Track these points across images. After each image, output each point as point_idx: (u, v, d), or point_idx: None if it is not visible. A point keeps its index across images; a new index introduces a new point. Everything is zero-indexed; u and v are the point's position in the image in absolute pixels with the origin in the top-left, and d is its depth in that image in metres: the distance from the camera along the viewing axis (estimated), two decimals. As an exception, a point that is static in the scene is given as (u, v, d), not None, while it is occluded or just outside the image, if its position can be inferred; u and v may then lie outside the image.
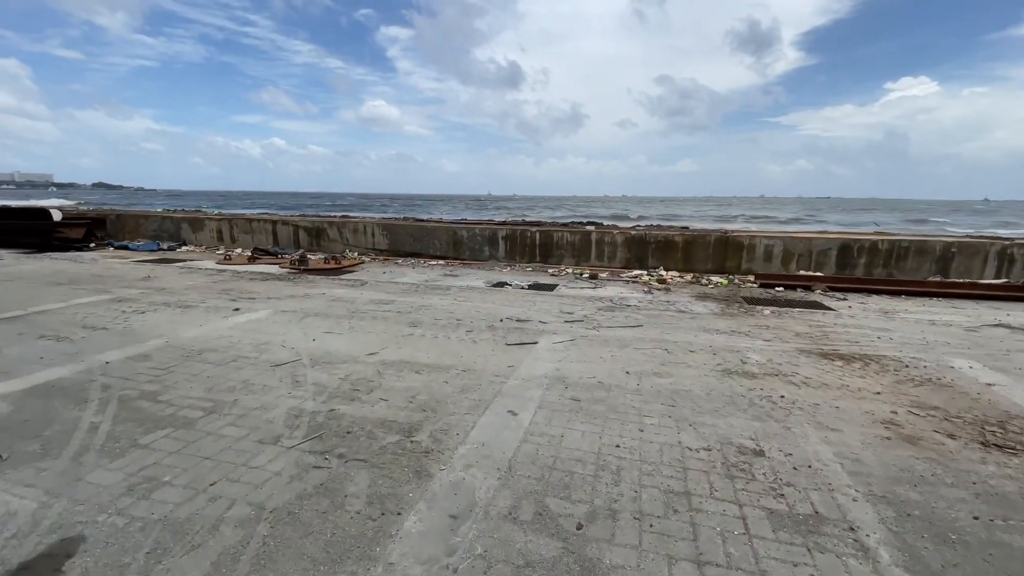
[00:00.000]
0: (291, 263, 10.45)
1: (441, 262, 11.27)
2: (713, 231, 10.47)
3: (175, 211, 15.46)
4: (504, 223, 12.04)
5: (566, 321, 6.26)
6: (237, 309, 6.64)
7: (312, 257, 11.86)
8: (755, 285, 8.99)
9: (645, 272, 9.84)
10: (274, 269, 10.22)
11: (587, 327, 5.98)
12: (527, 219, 12.33)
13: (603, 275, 9.77)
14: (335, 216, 13.16)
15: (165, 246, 13.12)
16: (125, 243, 13.32)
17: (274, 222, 12.59)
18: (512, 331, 5.74)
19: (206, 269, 10.07)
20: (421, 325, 5.95)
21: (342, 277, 9.39)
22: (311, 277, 9.36)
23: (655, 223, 12.33)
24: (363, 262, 11.27)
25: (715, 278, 9.46)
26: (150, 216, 13.86)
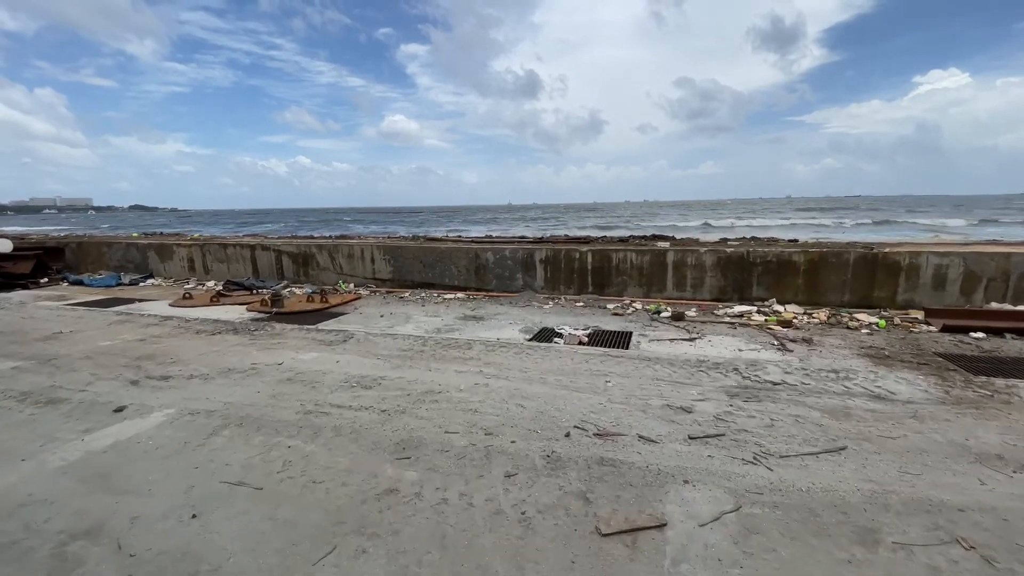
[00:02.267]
0: (262, 304, 7.85)
1: (460, 295, 8.51)
2: (849, 245, 7.41)
3: (144, 236, 13.18)
4: (541, 240, 9.19)
5: (690, 437, 3.35)
6: (120, 409, 3.98)
7: (297, 291, 9.25)
8: (931, 327, 5.91)
9: (753, 307, 6.85)
10: (237, 313, 7.62)
11: (739, 458, 3.07)
12: (570, 236, 9.45)
13: (691, 312, 6.82)
14: (326, 238, 10.55)
15: (127, 279, 10.75)
16: (82, 277, 11.01)
17: (252, 248, 10.07)
18: (597, 477, 2.87)
19: (150, 316, 7.54)
20: (418, 458, 3.14)
21: (323, 326, 6.71)
22: (280, 327, 6.71)
23: (747, 236, 9.31)
24: (358, 297, 8.60)
25: (861, 315, 6.40)
26: (114, 244, 11.56)
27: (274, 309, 7.59)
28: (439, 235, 10.30)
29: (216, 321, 7.11)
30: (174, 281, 10.77)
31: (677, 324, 6.44)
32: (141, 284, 10.63)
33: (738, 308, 6.85)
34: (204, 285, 10.11)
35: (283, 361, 5.18)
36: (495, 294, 8.43)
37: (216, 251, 10.44)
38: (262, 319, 7.23)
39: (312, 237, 11.11)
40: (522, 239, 9.54)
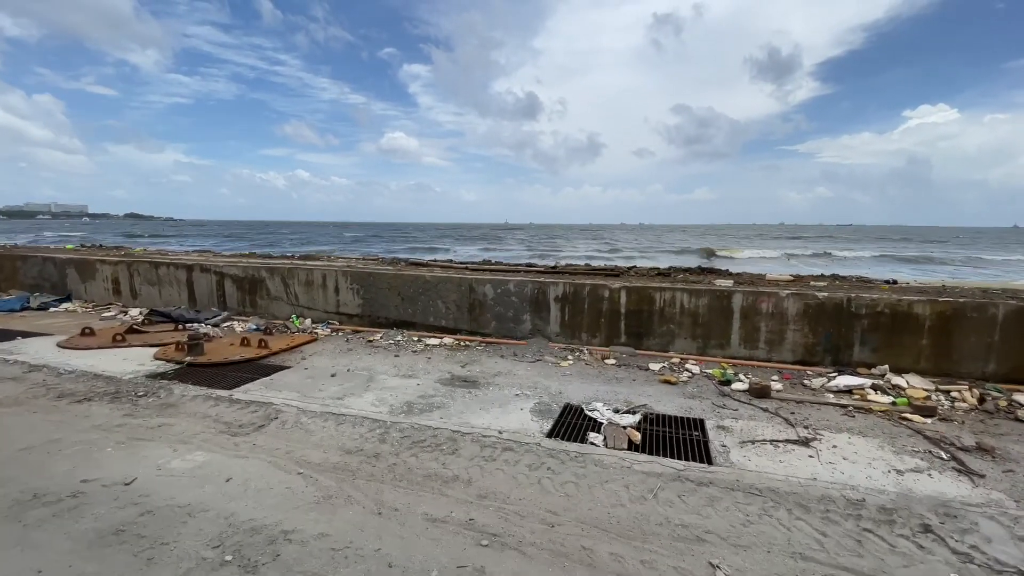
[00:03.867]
0: (176, 347, 5.75)
1: (448, 340, 6.44)
2: (986, 293, 5.42)
3: (64, 249, 11.08)
4: (555, 270, 7.12)
5: None
6: None
7: (238, 327, 7.17)
8: None
9: (862, 379, 4.81)
10: (139, 361, 5.50)
11: None
12: (593, 265, 7.37)
13: (774, 382, 4.77)
14: (282, 260, 8.47)
15: (36, 303, 8.62)
16: (-16, 297, 8.86)
17: (189, 269, 7.98)
18: None
19: (16, 363, 5.43)
20: None
21: (245, 390, 4.61)
22: (182, 389, 4.60)
23: (821, 272, 6.99)
24: (314, 339, 6.51)
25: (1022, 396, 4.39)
26: (29, 258, 9.44)
27: (187, 358, 5.49)
28: (425, 259, 8.27)
29: (98, 376, 4.99)
30: (94, 306, 8.64)
31: (762, 403, 4.39)
32: (52, 309, 8.51)
33: (842, 380, 4.81)
34: (127, 313, 8.00)
35: (139, 474, 3.08)
36: (494, 340, 6.36)
37: (146, 271, 8.35)
38: (167, 373, 5.12)
39: (271, 257, 9.05)
40: (529, 267, 7.50)
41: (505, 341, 6.31)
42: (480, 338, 6.44)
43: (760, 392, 4.56)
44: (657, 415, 4.13)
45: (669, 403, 4.42)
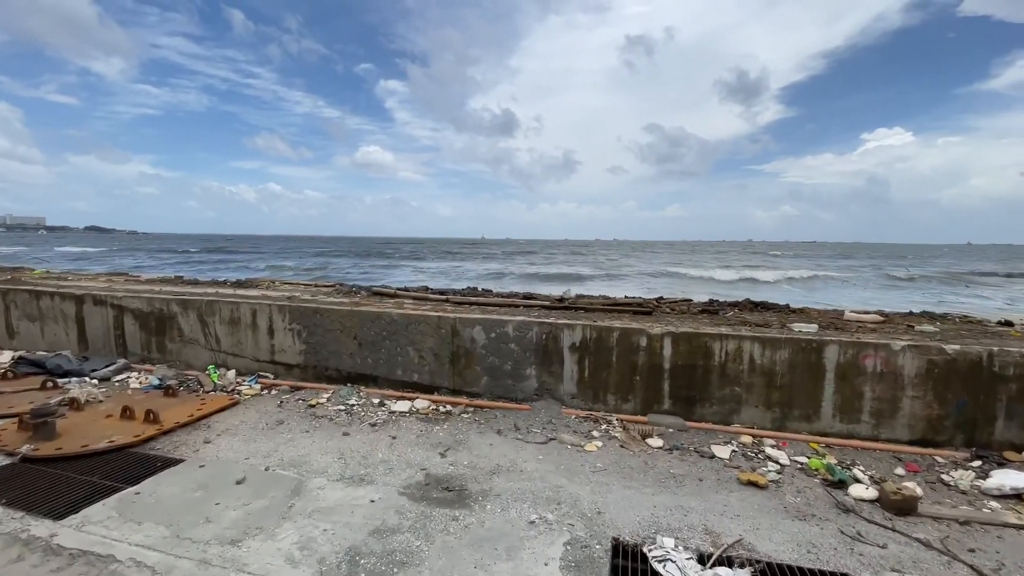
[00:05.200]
0: (19, 425, 3.88)
1: (421, 403, 4.70)
2: None
3: None
4: (564, 305, 5.46)
5: None
6: None
7: (135, 382, 5.31)
8: None
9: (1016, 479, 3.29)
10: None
11: None
12: (611, 297, 5.68)
13: (907, 485, 3.21)
14: (203, 289, 6.58)
15: None
16: None
17: (79, 300, 6.05)
18: None
19: None
20: None
21: (95, 513, 2.78)
22: (-29, 525, 2.75)
23: (933, 310, 5.22)
24: (233, 402, 4.69)
25: None
26: None
27: (25, 447, 3.61)
28: (393, 287, 6.46)
29: None
30: (-45, 348, 6.58)
31: (913, 528, 2.81)
32: None
33: (1003, 478, 3.27)
34: (-6, 359, 5.99)
35: None
36: (486, 404, 4.65)
37: (25, 303, 6.37)
38: (-25, 480, 3.25)
39: (197, 283, 7.10)
40: (529, 299, 5.80)
41: (501, 405, 4.61)
42: (466, 399, 4.73)
43: (902, 506, 2.98)
44: (767, 564, 2.50)
45: (774, 531, 2.79)
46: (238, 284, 6.84)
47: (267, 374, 5.41)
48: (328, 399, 4.86)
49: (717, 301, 5.44)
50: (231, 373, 5.43)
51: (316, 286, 6.98)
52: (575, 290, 7.02)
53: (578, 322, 4.51)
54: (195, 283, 7.12)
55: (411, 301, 5.74)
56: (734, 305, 5.31)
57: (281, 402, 4.82)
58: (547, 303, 5.35)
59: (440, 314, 4.88)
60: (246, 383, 5.29)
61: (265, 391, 5.17)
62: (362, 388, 5.01)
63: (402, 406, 4.68)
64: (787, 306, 5.26)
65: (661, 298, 5.88)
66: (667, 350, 4.21)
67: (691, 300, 5.91)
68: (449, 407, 4.66)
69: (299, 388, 5.17)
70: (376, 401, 4.77)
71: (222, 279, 7.61)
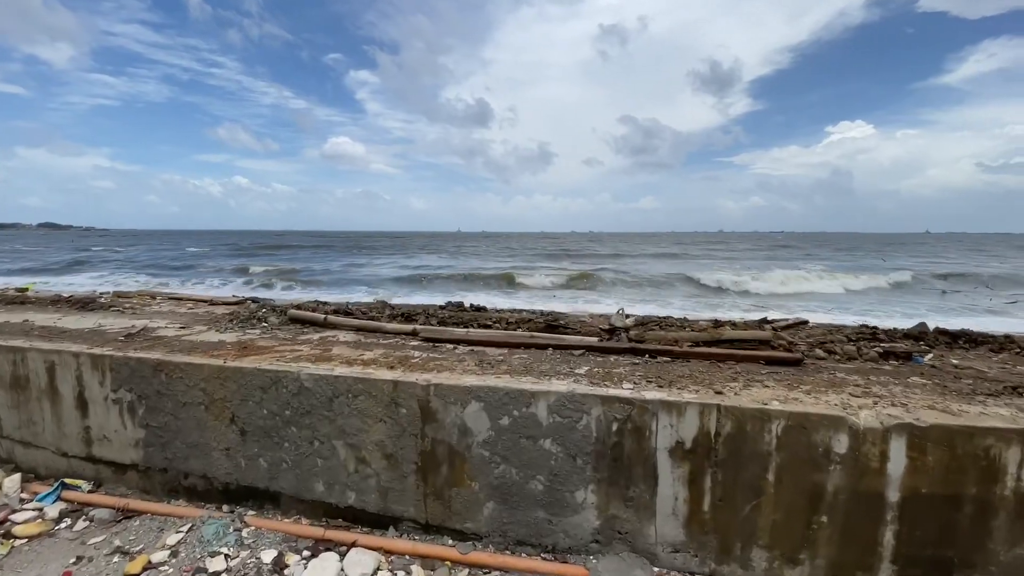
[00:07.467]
0: None
1: (366, 556, 2.32)
2: None
3: None
4: (621, 340, 3.09)
5: None
6: None
7: None
8: None
9: None
10: None
11: None
12: (702, 325, 3.11)
13: None
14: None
15: None
16: None
17: None
18: None
19: None
20: None
21: None
22: None
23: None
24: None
25: None
26: None
27: None
28: (330, 303, 3.97)
29: None
30: None
31: None
32: None
33: None
34: None
35: None
36: (494, 561, 2.30)
37: None
38: None
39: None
40: (554, 328, 3.38)
41: (526, 565, 2.26)
42: (452, 545, 2.37)
43: None
44: None
45: None
46: (78, 304, 4.23)
47: (79, 483, 2.93)
48: (179, 544, 2.44)
49: (878, 329, 3.14)
50: (12, 480, 2.93)
51: (211, 303, 4.46)
52: (612, 309, 3.84)
53: (688, 399, 2.17)
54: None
55: (350, 336, 3.29)
56: (917, 338, 2.99)
57: (79, 556, 2.38)
58: (594, 340, 2.96)
59: (397, 377, 2.47)
60: (37, 500, 2.82)
61: (67, 519, 2.71)
62: (244, 516, 2.59)
63: (324, 565, 2.29)
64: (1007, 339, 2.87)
65: (768, 321, 3.54)
66: (897, 462, 1.92)
67: (807, 322, 3.64)
68: (416, 566, 2.29)
69: (131, 513, 2.71)
70: (270, 557, 2.35)
71: (67, 294, 4.94)
